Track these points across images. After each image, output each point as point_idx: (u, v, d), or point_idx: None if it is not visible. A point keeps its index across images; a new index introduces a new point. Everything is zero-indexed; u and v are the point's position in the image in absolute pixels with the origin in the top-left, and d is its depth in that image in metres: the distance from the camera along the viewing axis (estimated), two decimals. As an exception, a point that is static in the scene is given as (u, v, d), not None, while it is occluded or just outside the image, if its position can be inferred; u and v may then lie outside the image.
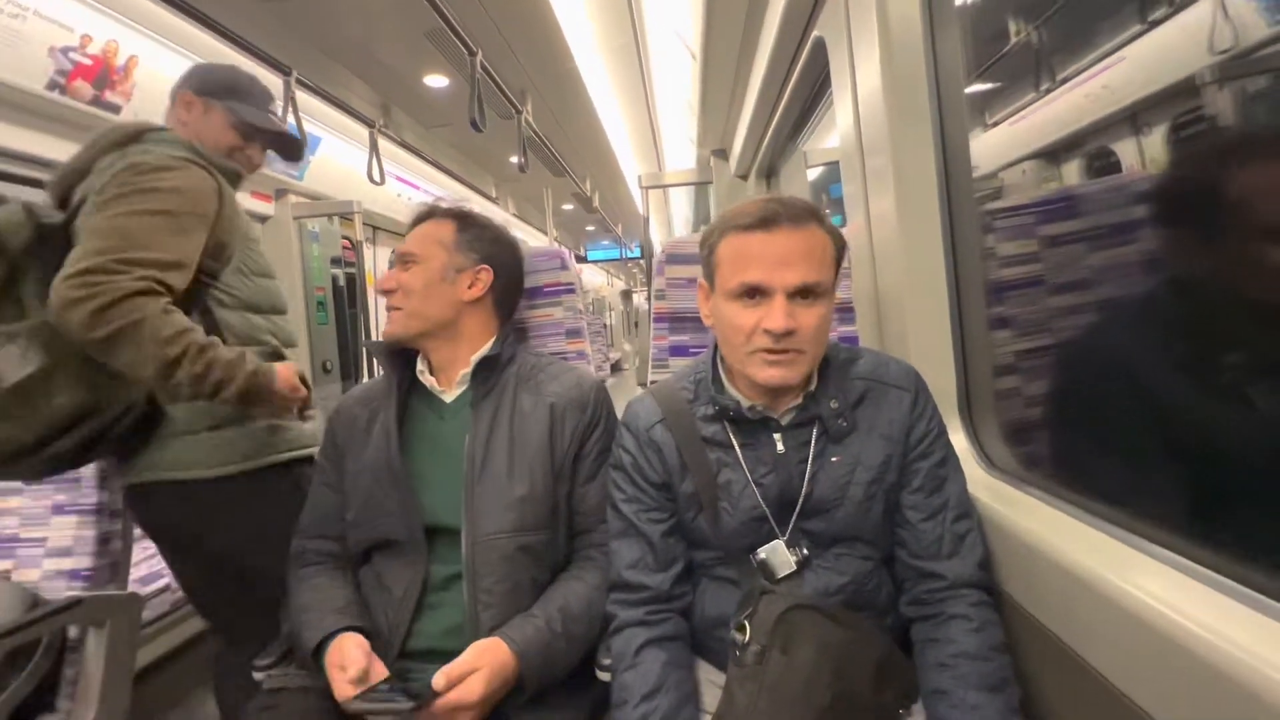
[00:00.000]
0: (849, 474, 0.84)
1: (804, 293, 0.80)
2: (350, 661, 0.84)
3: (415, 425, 1.04)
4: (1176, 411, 0.80)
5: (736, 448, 0.87)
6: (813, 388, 0.87)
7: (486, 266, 1.07)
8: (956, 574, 0.80)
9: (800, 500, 0.84)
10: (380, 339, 1.09)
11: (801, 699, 0.71)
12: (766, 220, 0.80)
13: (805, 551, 0.85)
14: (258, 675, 0.92)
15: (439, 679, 0.79)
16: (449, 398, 1.05)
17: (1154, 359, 0.83)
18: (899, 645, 0.84)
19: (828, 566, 0.85)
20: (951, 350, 1.07)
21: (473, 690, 0.80)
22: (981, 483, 0.94)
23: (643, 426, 0.92)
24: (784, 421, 0.87)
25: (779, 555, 0.85)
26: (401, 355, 1.07)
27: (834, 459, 0.85)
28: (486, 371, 1.03)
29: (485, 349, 1.05)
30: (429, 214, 1.09)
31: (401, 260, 1.05)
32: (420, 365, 1.08)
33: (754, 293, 0.81)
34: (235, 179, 1.25)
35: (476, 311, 1.07)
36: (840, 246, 0.85)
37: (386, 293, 1.04)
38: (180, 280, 1.02)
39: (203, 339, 1.00)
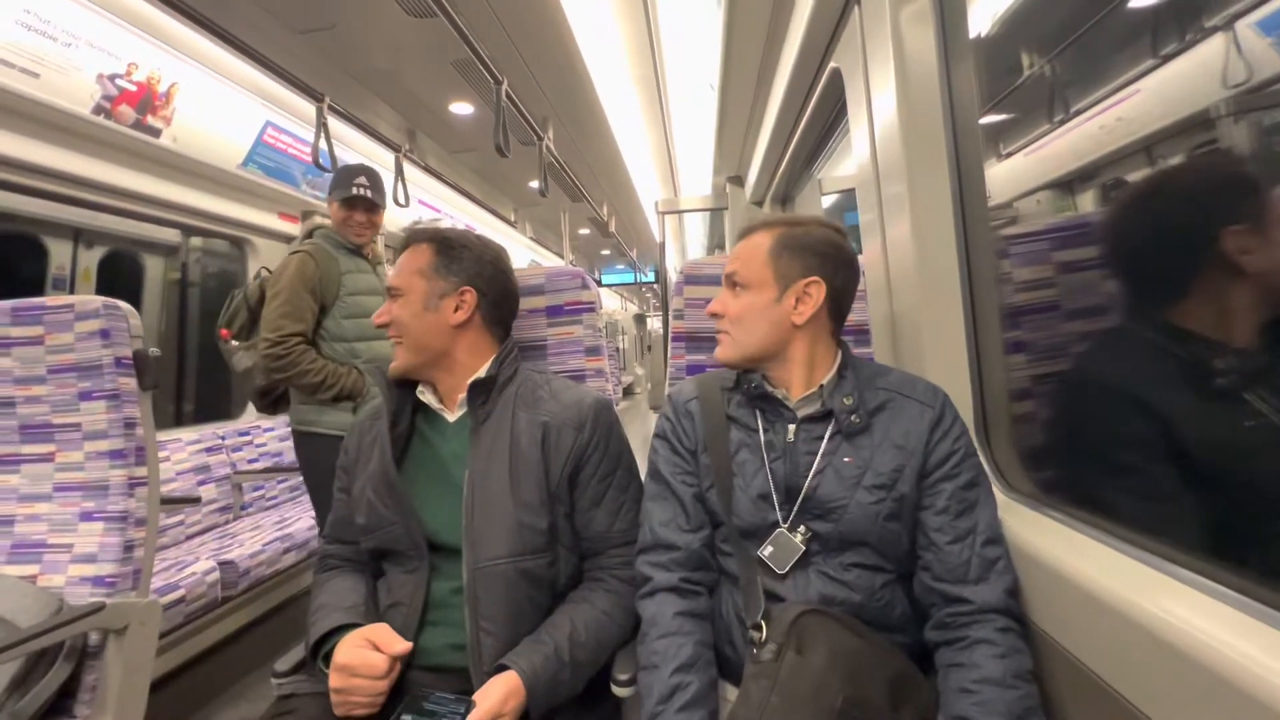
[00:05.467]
0: (858, 476, 0.87)
1: (730, 282, 0.96)
2: (360, 667, 0.85)
3: (419, 443, 1.05)
4: (1200, 434, 0.80)
5: (759, 431, 0.94)
6: (826, 381, 0.92)
7: (469, 288, 1.05)
8: (984, 599, 0.80)
9: (803, 493, 0.88)
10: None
11: (812, 699, 0.72)
12: (736, 238, 1.01)
13: (811, 545, 0.87)
14: (274, 682, 0.92)
15: None
16: (451, 418, 1.06)
17: (1175, 383, 0.83)
18: (917, 667, 0.83)
19: (835, 577, 0.86)
20: (969, 374, 1.08)
21: None
22: (1002, 506, 0.93)
23: (682, 400, 1.01)
24: (800, 413, 0.92)
25: (783, 544, 0.88)
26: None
27: (846, 459, 0.88)
28: (483, 394, 1.03)
29: (480, 372, 1.04)
30: (409, 241, 1.09)
31: (390, 294, 1.05)
32: (421, 385, 1.08)
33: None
34: (350, 249, 2.05)
35: (468, 333, 1.06)
36: (788, 248, 0.93)
37: (383, 326, 1.05)
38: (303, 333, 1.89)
39: (318, 369, 1.87)
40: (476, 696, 0.83)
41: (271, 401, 2.11)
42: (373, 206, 2.04)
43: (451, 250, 1.06)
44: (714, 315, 0.97)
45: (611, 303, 12.81)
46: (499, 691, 0.83)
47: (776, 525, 0.89)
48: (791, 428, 0.91)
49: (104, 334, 1.27)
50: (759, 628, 0.81)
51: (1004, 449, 1.03)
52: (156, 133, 2.33)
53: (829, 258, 0.92)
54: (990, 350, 1.07)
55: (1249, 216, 0.76)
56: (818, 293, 0.91)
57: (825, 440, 0.89)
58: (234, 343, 2.06)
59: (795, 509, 0.88)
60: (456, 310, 1.04)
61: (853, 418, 0.88)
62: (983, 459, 1.03)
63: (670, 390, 1.07)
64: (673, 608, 0.88)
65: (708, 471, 0.94)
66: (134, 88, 2.18)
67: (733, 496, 0.90)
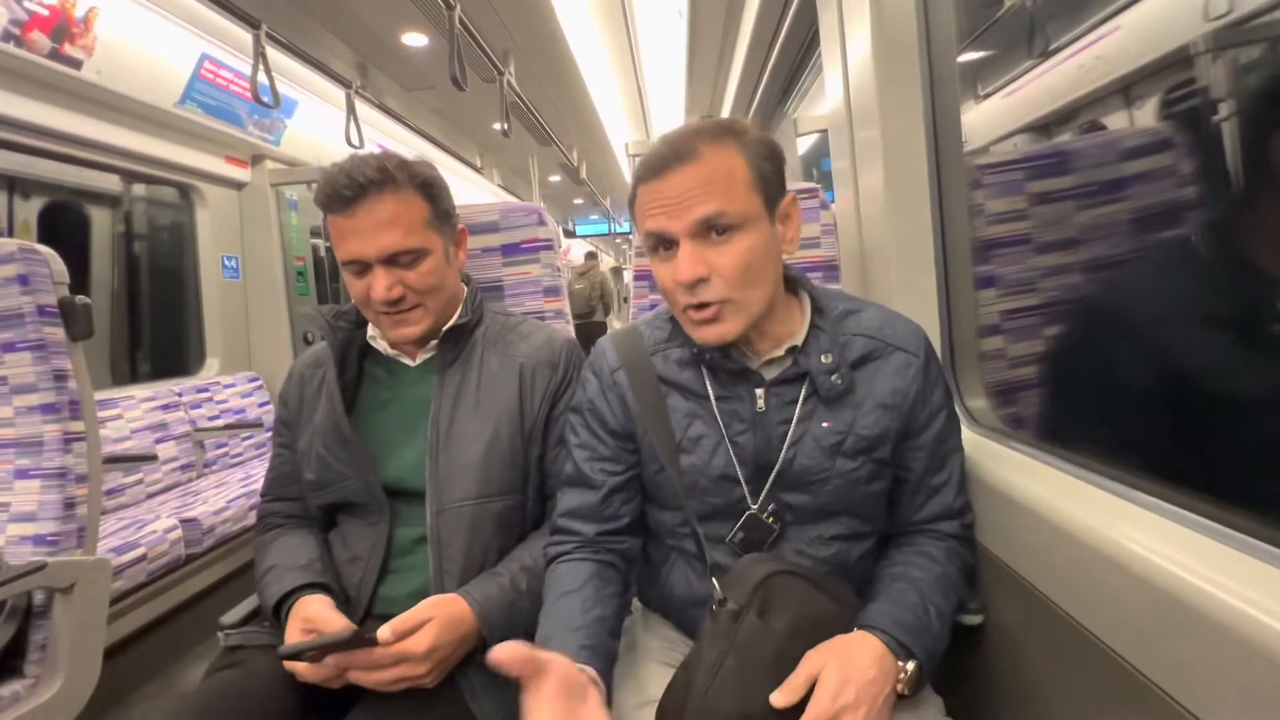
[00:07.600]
0: (839, 441, 0.76)
1: (711, 228, 0.70)
2: (322, 622, 0.81)
3: (374, 389, 1.00)
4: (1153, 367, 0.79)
5: (712, 399, 0.79)
6: (799, 341, 0.78)
7: (463, 226, 1.00)
8: (936, 521, 0.80)
9: (777, 466, 0.77)
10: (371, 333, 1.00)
11: (770, 665, 0.67)
12: (657, 168, 0.71)
13: (785, 517, 0.78)
14: (221, 635, 0.89)
15: (385, 631, 0.75)
16: (413, 363, 1.00)
17: (1137, 312, 0.82)
18: None
19: (811, 553, 0.79)
20: (937, 313, 1.06)
21: (420, 641, 0.77)
22: (965, 439, 0.93)
23: (606, 370, 0.85)
24: (768, 376, 0.78)
25: (755, 526, 0.79)
26: (345, 318, 0.99)
27: (824, 424, 0.76)
28: (455, 338, 0.98)
29: (455, 317, 0.98)
30: (379, 181, 0.86)
31: (392, 262, 0.88)
32: (372, 330, 1.00)
33: (665, 244, 0.73)
34: None
35: (455, 273, 1.01)
36: (765, 157, 0.72)
37: (392, 304, 0.89)
38: None
39: None
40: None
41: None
42: None
43: (434, 188, 0.93)
44: (697, 282, 0.70)
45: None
46: (429, 600, 0.82)
47: (743, 505, 0.78)
48: (760, 393, 0.77)
49: (22, 280, 1.17)
50: (722, 584, 0.74)
51: (971, 385, 1.03)
52: (77, 64, 2.13)
53: (780, 160, 0.75)
54: (960, 290, 1.05)
55: None
56: (794, 210, 0.76)
57: (799, 404, 0.77)
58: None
59: (767, 486, 0.77)
60: (459, 253, 1.00)
61: (834, 378, 0.75)
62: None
63: (591, 355, 0.90)
64: (574, 568, 0.81)
65: (652, 454, 0.81)
66: (45, 11, 1.97)
67: (685, 477, 0.79)
